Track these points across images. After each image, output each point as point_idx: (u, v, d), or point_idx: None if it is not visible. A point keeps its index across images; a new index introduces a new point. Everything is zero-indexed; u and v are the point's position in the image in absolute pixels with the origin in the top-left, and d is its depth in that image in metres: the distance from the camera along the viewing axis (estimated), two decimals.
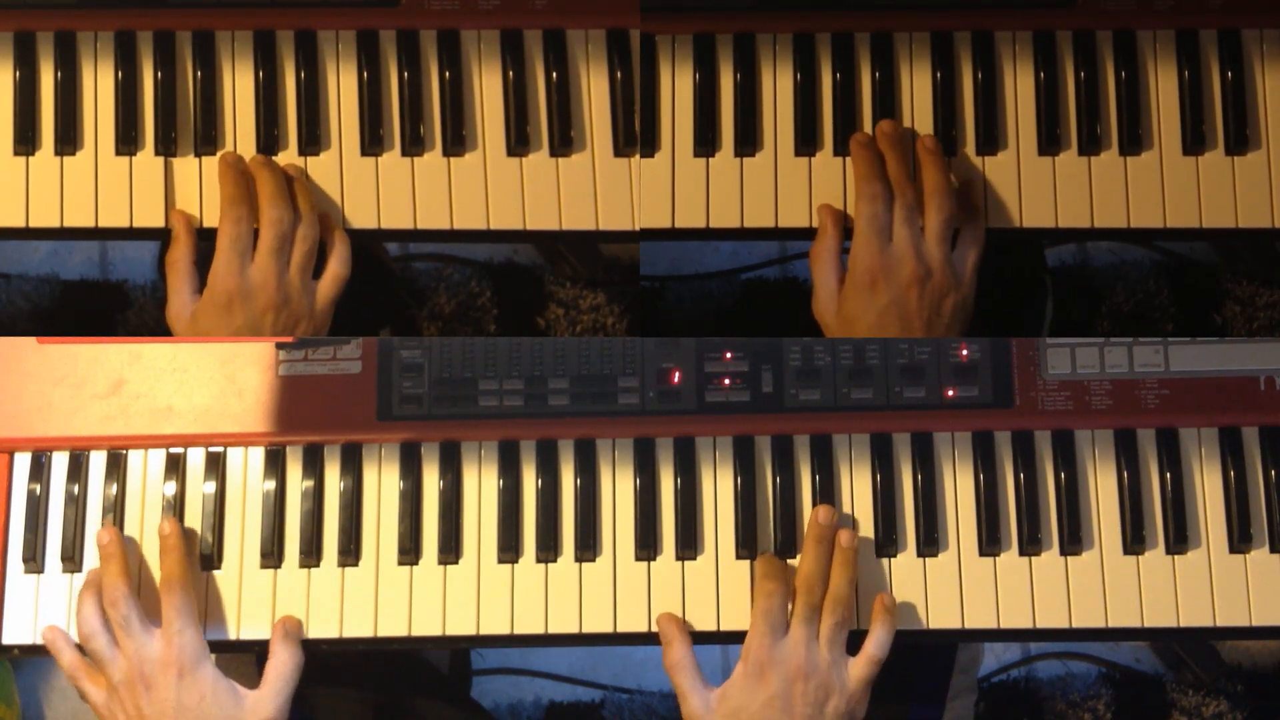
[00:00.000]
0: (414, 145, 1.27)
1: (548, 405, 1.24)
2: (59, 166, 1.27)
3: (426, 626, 1.22)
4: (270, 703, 1.18)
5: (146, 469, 1.25)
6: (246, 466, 1.25)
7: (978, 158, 1.26)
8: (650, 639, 1.23)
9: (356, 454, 1.25)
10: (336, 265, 1.24)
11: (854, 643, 1.19)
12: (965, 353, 1.24)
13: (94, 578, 1.21)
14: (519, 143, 1.27)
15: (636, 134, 1.27)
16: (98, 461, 1.25)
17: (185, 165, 1.27)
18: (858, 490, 1.24)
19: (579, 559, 1.23)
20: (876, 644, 1.18)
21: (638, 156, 1.27)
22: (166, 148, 1.27)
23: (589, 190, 1.28)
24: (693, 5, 1.27)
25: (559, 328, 1.79)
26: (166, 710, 1.15)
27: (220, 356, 1.26)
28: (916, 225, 1.19)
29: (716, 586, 1.23)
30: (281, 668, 1.19)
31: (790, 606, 1.18)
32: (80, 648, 1.20)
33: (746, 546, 1.23)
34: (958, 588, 1.22)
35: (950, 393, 1.24)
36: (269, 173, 1.23)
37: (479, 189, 1.27)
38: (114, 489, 1.24)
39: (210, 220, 1.25)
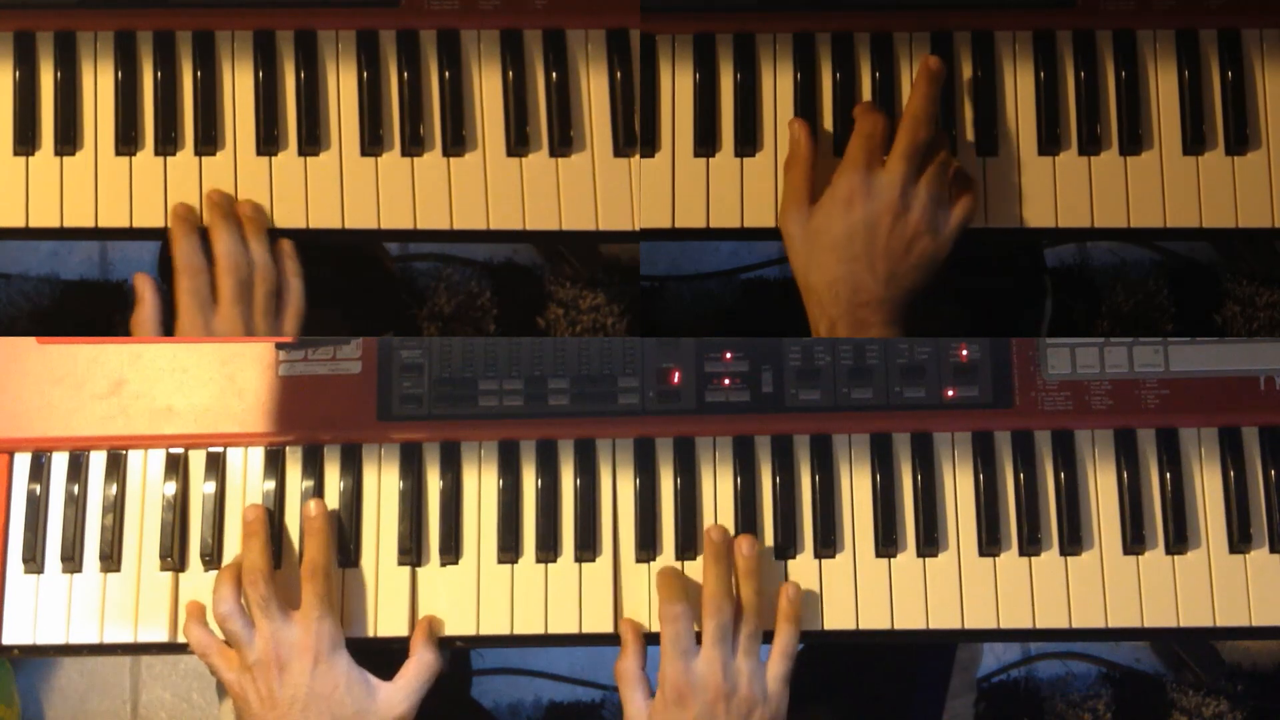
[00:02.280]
0: (414, 145, 1.27)
1: (548, 405, 1.24)
2: (59, 166, 1.27)
3: None
4: (404, 700, 1.18)
5: (146, 469, 1.25)
6: (246, 466, 1.25)
7: (978, 158, 1.26)
8: (649, 639, 1.23)
9: (356, 454, 1.25)
10: (296, 302, 1.25)
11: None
12: (965, 353, 1.24)
13: (236, 562, 1.20)
14: (519, 143, 1.27)
15: (636, 134, 1.27)
16: (98, 461, 1.25)
17: (185, 165, 1.27)
18: (858, 490, 1.24)
19: (579, 559, 1.23)
20: (787, 639, 1.19)
21: (638, 156, 1.27)
22: (166, 148, 1.27)
23: (589, 190, 1.28)
24: (693, 5, 1.27)
25: (559, 328, 1.79)
26: (299, 695, 1.15)
27: (220, 356, 1.26)
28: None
29: None
30: (422, 667, 1.19)
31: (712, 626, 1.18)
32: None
33: None
34: (958, 588, 1.22)
35: (950, 393, 1.24)
36: (220, 218, 1.23)
37: (479, 189, 1.27)
38: (114, 489, 1.24)
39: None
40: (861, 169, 1.18)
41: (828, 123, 1.26)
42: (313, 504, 1.21)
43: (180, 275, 1.22)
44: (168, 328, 1.23)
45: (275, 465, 1.25)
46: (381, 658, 1.23)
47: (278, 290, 1.24)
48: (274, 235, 1.26)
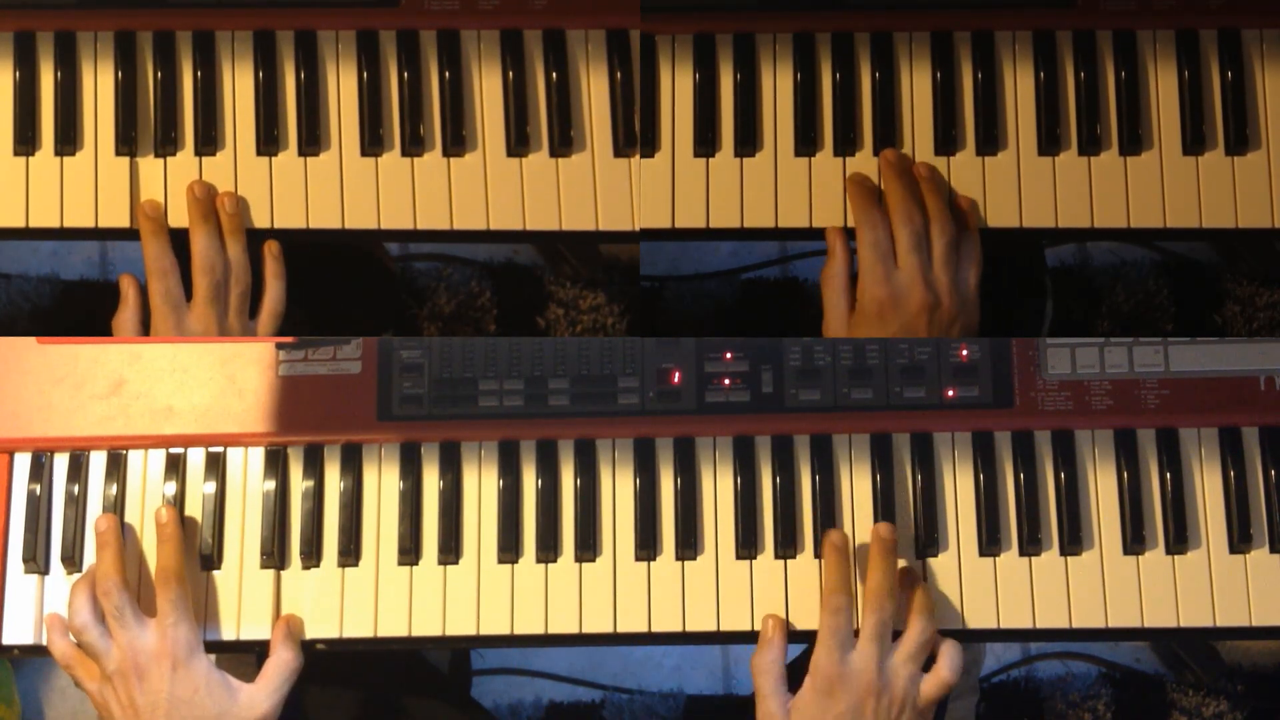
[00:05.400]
0: (414, 145, 1.27)
1: (548, 405, 1.24)
2: (59, 166, 1.27)
3: (426, 626, 1.22)
4: (265, 700, 1.18)
5: (146, 469, 1.25)
6: (246, 466, 1.25)
7: (978, 158, 1.26)
8: (649, 639, 1.23)
9: (356, 454, 1.25)
10: (272, 302, 1.26)
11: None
12: (965, 353, 1.24)
13: (90, 572, 1.21)
14: (519, 143, 1.27)
15: (636, 134, 1.27)
16: (98, 461, 1.25)
17: (185, 165, 1.27)
18: (858, 490, 1.24)
19: (579, 559, 1.23)
20: (949, 666, 1.17)
21: (638, 156, 1.27)
22: (166, 148, 1.27)
23: (589, 190, 1.28)
24: (693, 5, 1.27)
25: (559, 328, 1.79)
26: (159, 701, 1.15)
27: (220, 356, 1.26)
28: (923, 252, 1.20)
29: (716, 587, 1.23)
30: (281, 666, 1.19)
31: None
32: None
33: (746, 547, 1.23)
34: (958, 588, 1.22)
35: (950, 393, 1.24)
36: (198, 216, 1.24)
37: (479, 189, 1.27)
38: (114, 489, 1.24)
39: None
40: (882, 280, 1.20)
41: (828, 123, 1.26)
42: (163, 511, 1.21)
43: (151, 277, 1.24)
44: (148, 329, 1.24)
45: (275, 465, 1.25)
46: (383, 658, 1.23)
47: (254, 291, 1.25)
48: (268, 236, 1.27)
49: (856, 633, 1.17)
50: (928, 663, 1.18)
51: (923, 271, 1.19)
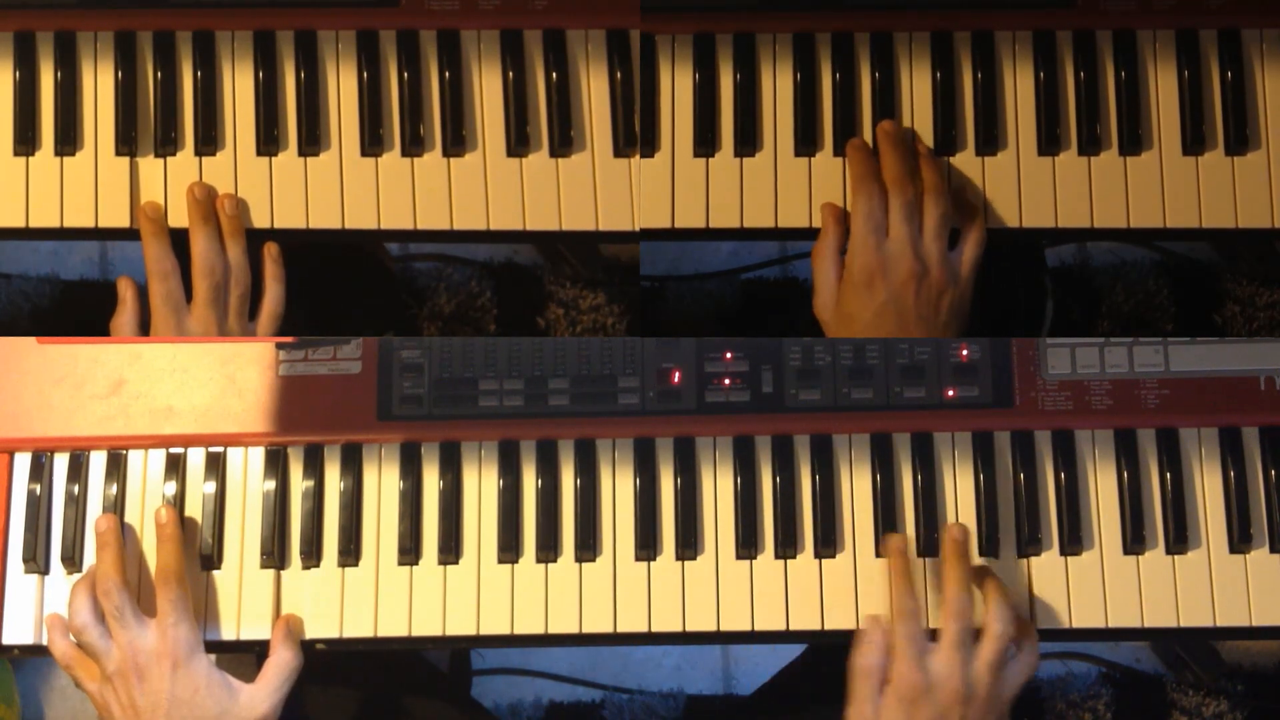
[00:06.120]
0: (414, 145, 1.27)
1: (548, 405, 1.24)
2: (59, 166, 1.27)
3: (426, 626, 1.23)
4: (266, 700, 1.18)
5: (146, 469, 1.25)
6: (246, 466, 1.25)
7: (978, 158, 1.26)
8: (649, 639, 1.23)
9: (356, 454, 1.25)
10: (272, 304, 1.27)
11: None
12: (965, 353, 1.24)
13: (91, 573, 1.21)
14: (519, 143, 1.27)
15: (636, 134, 1.27)
16: (98, 461, 1.25)
17: (185, 165, 1.27)
18: (858, 490, 1.24)
19: (579, 559, 1.23)
20: (1028, 661, 1.18)
21: (638, 156, 1.27)
22: (166, 148, 1.27)
23: (589, 190, 1.28)
24: (693, 5, 1.27)
25: (559, 328, 1.79)
26: (160, 701, 1.15)
27: (220, 356, 1.26)
28: (915, 222, 1.20)
29: (716, 587, 1.23)
30: (281, 666, 1.19)
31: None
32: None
33: (746, 546, 1.23)
34: None
35: (950, 393, 1.24)
36: (199, 218, 1.24)
37: (479, 189, 1.27)
38: (114, 489, 1.24)
39: None
40: (872, 248, 1.20)
41: (828, 123, 1.26)
42: (163, 511, 1.21)
43: (152, 279, 1.23)
44: (146, 331, 1.24)
45: (275, 465, 1.25)
46: (383, 658, 1.22)
47: (254, 292, 1.25)
48: (268, 236, 1.27)
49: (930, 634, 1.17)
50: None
51: (913, 241, 1.19)
